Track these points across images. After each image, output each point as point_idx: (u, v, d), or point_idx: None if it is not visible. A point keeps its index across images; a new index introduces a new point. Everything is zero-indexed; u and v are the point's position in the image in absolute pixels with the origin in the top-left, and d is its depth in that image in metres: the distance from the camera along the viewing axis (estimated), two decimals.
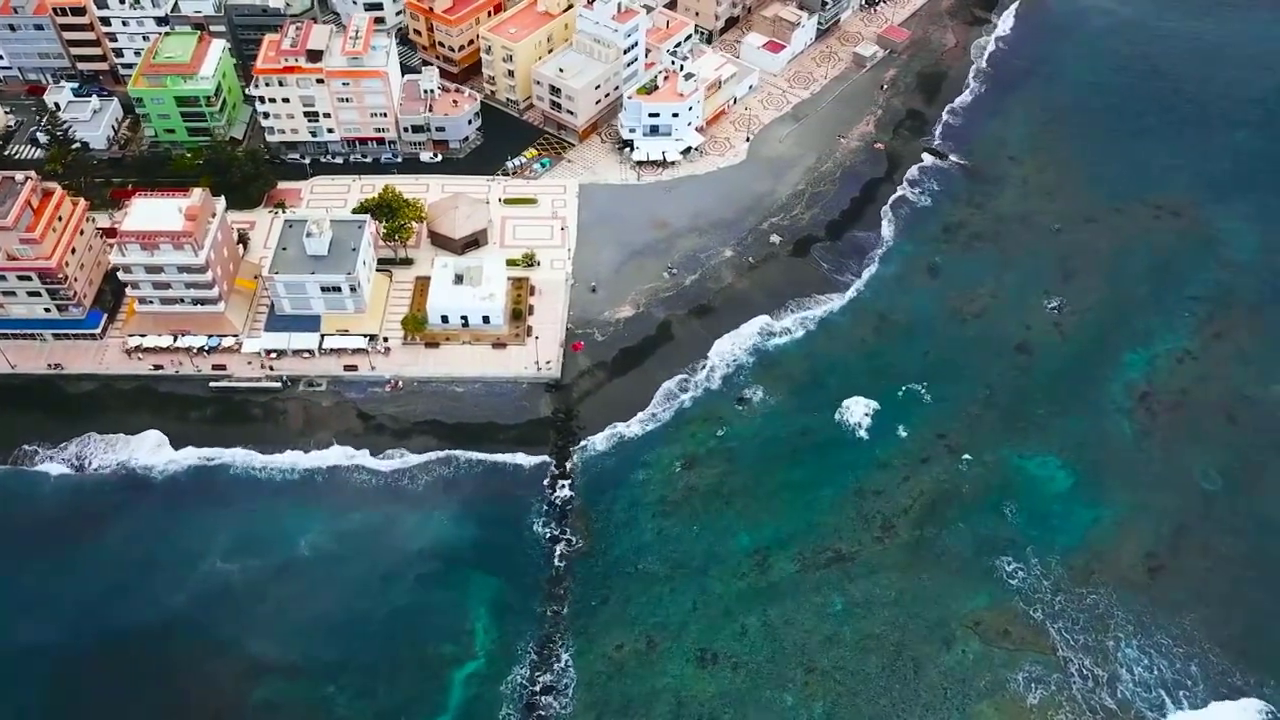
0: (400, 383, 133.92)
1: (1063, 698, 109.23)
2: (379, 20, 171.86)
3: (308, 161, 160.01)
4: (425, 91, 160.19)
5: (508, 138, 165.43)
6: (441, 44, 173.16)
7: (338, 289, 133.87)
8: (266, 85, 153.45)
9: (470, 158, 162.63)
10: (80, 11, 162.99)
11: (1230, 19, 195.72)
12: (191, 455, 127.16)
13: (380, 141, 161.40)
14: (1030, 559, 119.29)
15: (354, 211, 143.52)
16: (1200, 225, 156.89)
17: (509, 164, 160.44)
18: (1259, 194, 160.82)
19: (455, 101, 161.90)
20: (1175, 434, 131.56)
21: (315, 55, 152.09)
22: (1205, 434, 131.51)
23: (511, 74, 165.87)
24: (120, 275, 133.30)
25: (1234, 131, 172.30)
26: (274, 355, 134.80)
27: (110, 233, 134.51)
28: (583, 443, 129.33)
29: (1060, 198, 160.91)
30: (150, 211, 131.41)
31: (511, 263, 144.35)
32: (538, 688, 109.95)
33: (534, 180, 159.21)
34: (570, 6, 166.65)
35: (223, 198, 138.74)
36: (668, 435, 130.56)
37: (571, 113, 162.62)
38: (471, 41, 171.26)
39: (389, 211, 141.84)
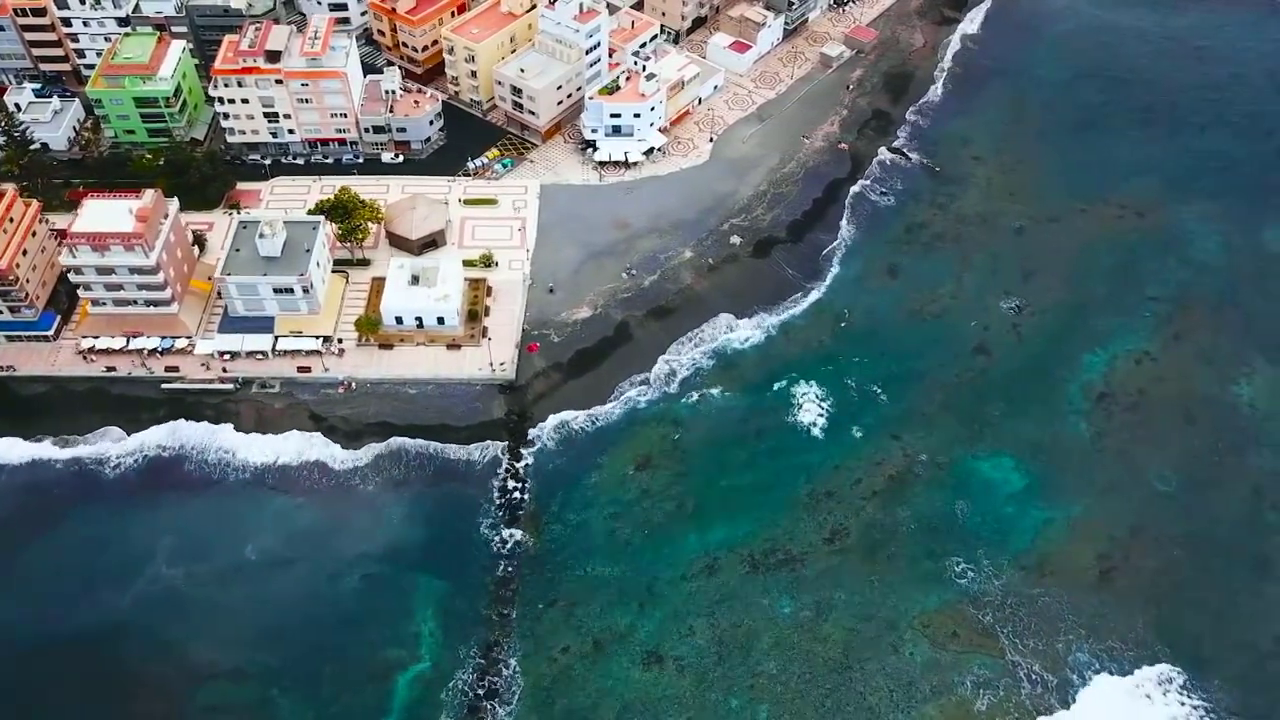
0: (353, 384, 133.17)
1: (1010, 704, 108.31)
2: (344, 21, 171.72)
3: (268, 163, 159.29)
4: (386, 92, 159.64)
5: (471, 138, 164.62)
6: (405, 44, 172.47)
7: (290, 290, 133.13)
8: (225, 86, 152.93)
9: (432, 158, 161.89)
10: (41, 12, 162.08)
11: (1199, 18, 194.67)
12: (147, 446, 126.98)
13: (342, 143, 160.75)
14: (981, 560, 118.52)
15: (309, 213, 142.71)
16: (1163, 225, 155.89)
17: (470, 164, 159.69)
18: (1223, 194, 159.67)
19: (416, 102, 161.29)
20: (1132, 435, 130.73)
21: (274, 56, 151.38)
22: (1162, 435, 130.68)
23: (474, 74, 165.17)
24: (71, 277, 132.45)
25: (1199, 131, 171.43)
26: (227, 357, 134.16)
27: (63, 234, 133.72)
28: (535, 444, 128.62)
29: (1023, 198, 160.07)
30: (101, 213, 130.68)
31: (469, 263, 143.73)
32: (483, 691, 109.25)
33: (495, 181, 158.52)
34: (533, 7, 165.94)
35: (175, 199, 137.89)
36: (622, 437, 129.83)
37: (533, 113, 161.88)
38: (435, 42, 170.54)
39: (344, 212, 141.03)
